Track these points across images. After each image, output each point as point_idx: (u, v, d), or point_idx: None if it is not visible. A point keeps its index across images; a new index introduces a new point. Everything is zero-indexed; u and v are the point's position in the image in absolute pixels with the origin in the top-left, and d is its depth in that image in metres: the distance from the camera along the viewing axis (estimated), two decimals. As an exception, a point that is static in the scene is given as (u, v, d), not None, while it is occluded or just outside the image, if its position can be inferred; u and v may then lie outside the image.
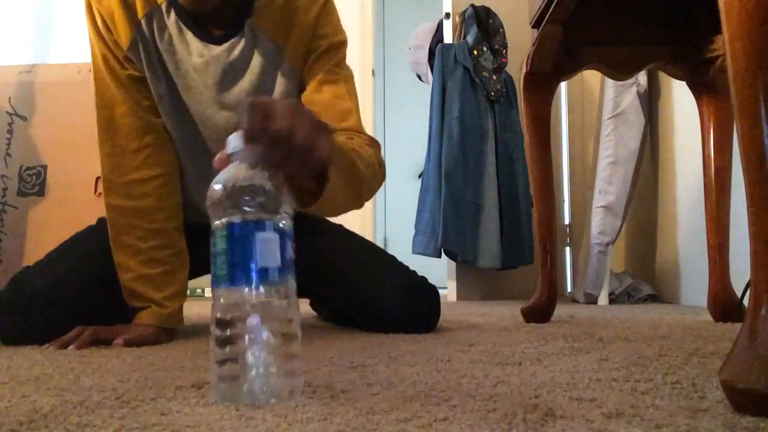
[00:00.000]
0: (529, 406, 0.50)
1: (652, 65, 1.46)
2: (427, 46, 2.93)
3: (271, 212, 0.52)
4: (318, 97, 1.01)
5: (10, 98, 2.69)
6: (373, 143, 0.97)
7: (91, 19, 1.02)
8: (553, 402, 0.52)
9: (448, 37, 2.73)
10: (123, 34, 1.00)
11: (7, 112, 2.68)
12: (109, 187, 1.04)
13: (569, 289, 2.63)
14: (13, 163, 2.63)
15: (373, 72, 3.28)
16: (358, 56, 3.14)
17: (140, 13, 1.00)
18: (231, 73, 1.02)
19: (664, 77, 2.19)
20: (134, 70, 1.03)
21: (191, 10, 0.99)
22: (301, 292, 0.56)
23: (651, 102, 2.28)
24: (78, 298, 1.00)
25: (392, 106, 4.86)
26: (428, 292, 1.16)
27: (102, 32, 1.01)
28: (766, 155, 0.47)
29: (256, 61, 1.03)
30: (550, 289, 1.37)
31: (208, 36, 1.01)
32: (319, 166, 0.61)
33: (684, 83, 1.45)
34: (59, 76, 2.73)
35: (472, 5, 2.64)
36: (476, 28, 2.59)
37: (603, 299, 2.12)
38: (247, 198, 0.51)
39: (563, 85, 2.76)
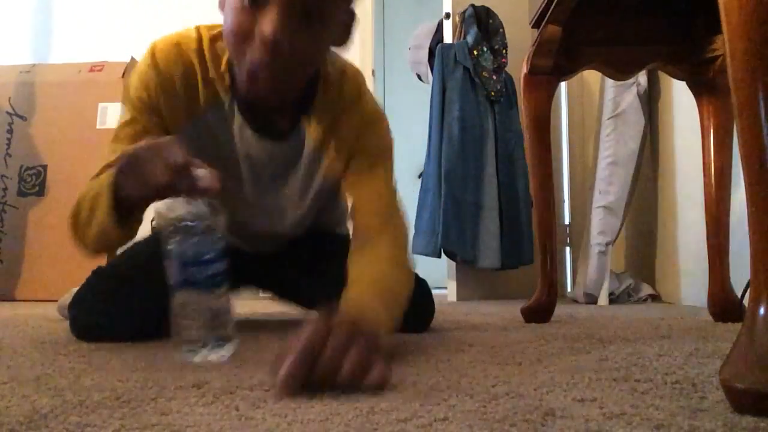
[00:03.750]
0: (529, 406, 0.50)
1: (652, 65, 1.46)
2: (427, 46, 2.93)
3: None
4: (357, 193, 0.97)
5: (10, 98, 2.69)
6: (401, 242, 0.95)
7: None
8: (553, 402, 0.52)
9: (448, 37, 2.73)
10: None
11: (7, 112, 2.68)
12: None
13: (569, 289, 2.63)
14: (13, 163, 2.63)
15: (373, 72, 3.27)
16: (358, 56, 3.14)
17: (202, 100, 0.92)
18: (282, 170, 1.00)
19: (664, 77, 2.19)
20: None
21: (252, 102, 0.91)
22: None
23: (651, 102, 2.28)
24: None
25: (392, 107, 4.85)
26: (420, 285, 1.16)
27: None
28: (766, 155, 0.47)
29: (304, 160, 0.99)
30: (550, 289, 1.37)
31: (268, 133, 0.95)
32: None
33: (684, 83, 1.45)
34: (59, 76, 2.73)
35: (472, 5, 2.64)
36: (476, 28, 2.59)
37: (603, 299, 2.12)
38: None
39: (563, 85, 2.76)
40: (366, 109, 1.00)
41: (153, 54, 0.90)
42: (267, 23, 0.76)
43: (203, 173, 0.68)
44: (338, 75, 0.98)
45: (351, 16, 0.91)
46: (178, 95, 0.90)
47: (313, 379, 0.54)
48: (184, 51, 0.90)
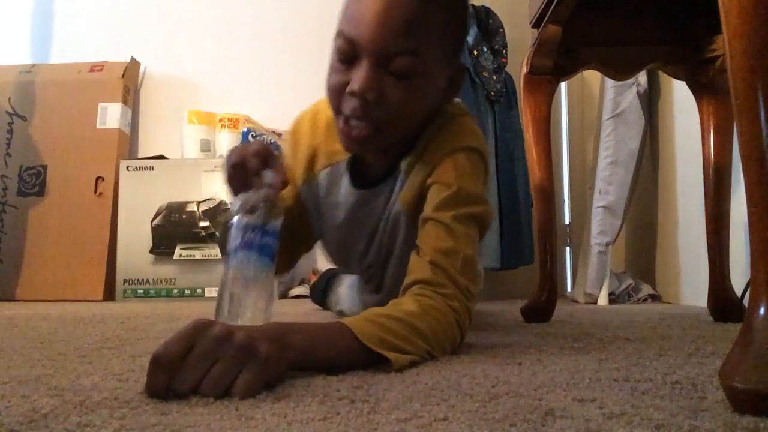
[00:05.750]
0: (529, 406, 0.50)
1: (652, 65, 1.46)
2: (427, 46, 2.93)
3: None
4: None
5: (10, 98, 2.69)
6: (456, 299, 0.82)
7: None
8: (553, 402, 0.52)
9: (448, 37, 2.73)
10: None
11: (7, 112, 2.68)
12: None
13: (569, 289, 2.63)
14: (13, 163, 2.63)
15: (373, 72, 3.28)
16: (358, 56, 3.14)
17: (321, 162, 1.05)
18: (363, 213, 1.02)
19: (664, 77, 2.19)
20: None
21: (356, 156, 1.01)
22: None
23: (651, 102, 2.28)
24: None
25: (392, 106, 4.85)
26: None
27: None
28: (766, 155, 0.47)
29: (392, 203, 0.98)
30: (550, 289, 1.37)
31: (360, 183, 1.01)
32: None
33: (684, 83, 1.45)
34: (59, 76, 2.73)
35: (472, 5, 2.64)
36: (476, 28, 2.58)
37: (603, 299, 2.12)
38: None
39: (563, 85, 2.76)
40: (455, 142, 0.91)
41: (295, 123, 1.09)
42: (356, 79, 0.81)
43: (271, 174, 0.77)
44: (443, 121, 0.94)
45: (458, 71, 0.92)
46: (304, 156, 1.06)
47: (173, 387, 0.52)
48: (317, 120, 1.05)
